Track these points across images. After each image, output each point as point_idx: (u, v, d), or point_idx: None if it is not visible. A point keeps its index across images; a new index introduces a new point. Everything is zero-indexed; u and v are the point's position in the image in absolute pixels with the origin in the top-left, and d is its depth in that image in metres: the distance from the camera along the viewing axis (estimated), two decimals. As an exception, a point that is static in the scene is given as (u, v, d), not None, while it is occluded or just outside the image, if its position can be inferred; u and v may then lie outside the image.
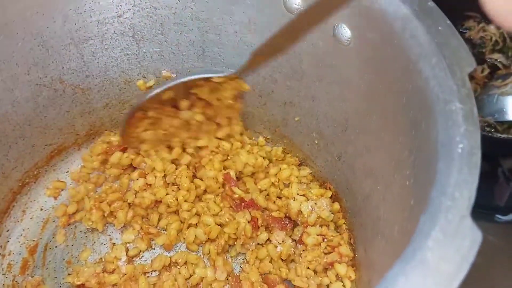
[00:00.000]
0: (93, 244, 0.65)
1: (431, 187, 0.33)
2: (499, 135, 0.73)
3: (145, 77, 0.67)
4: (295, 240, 0.63)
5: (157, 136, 0.63)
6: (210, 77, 0.57)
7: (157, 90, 0.58)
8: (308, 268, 0.60)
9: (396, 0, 0.44)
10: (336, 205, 0.64)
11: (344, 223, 0.65)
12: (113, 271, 0.61)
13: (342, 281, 0.59)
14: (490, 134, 0.72)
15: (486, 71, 0.81)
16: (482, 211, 0.75)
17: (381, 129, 0.50)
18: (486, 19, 0.84)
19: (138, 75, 0.67)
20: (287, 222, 0.64)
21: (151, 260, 0.63)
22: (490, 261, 0.71)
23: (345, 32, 0.51)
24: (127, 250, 0.63)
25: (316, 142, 0.65)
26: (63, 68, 0.61)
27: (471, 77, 0.52)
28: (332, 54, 0.54)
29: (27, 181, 0.66)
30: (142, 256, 0.64)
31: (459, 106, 0.36)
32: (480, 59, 0.83)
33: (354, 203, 0.61)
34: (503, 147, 0.76)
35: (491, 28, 0.84)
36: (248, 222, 0.62)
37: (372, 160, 0.54)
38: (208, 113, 0.62)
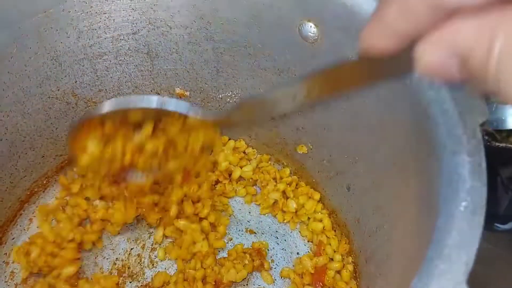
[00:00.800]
0: (95, 258, 0.65)
1: (428, 245, 0.32)
2: (497, 144, 0.71)
3: (159, 93, 0.67)
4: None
5: (102, 154, 0.51)
6: (186, 115, 0.46)
7: (130, 106, 0.47)
8: None
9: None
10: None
11: (351, 256, 0.63)
12: None
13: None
14: (488, 143, 0.71)
15: None
16: None
17: (389, 167, 0.49)
18: None
19: (151, 91, 0.67)
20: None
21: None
22: (489, 269, 0.68)
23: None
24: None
25: (327, 170, 0.64)
26: (76, 82, 0.61)
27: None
28: (344, 85, 0.53)
29: (35, 190, 0.67)
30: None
31: (467, 159, 0.35)
32: None
33: (362, 237, 0.59)
34: (501, 156, 0.74)
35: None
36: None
37: (379, 197, 0.52)
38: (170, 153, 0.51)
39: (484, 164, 0.34)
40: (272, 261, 0.65)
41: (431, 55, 0.25)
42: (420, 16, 0.24)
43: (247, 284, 0.63)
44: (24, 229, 0.66)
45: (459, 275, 0.29)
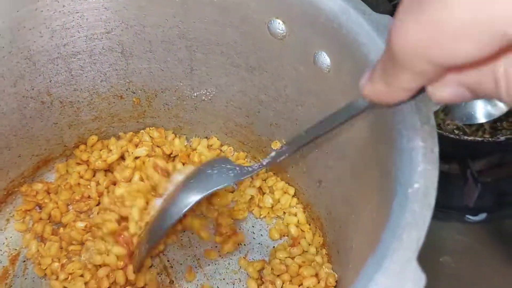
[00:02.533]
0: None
1: (384, 227, 0.33)
2: (467, 137, 0.74)
3: (134, 92, 0.68)
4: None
5: None
6: None
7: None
8: None
9: (371, 31, 0.44)
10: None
11: (325, 248, 0.65)
12: None
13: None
14: (458, 137, 0.74)
15: None
16: (452, 212, 0.78)
17: (357, 157, 0.50)
18: None
19: (127, 90, 0.67)
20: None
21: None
22: (460, 260, 0.75)
23: (325, 59, 0.51)
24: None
25: (300, 165, 0.65)
26: (50, 81, 0.61)
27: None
28: (313, 81, 0.54)
29: (12, 190, 0.67)
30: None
31: (421, 144, 0.36)
32: None
33: (333, 229, 0.61)
34: (471, 149, 0.78)
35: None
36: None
37: (347, 188, 0.54)
38: None
39: (436, 149, 0.36)
40: (246, 255, 0.67)
41: (442, 92, 0.27)
42: (431, 74, 0.26)
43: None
44: (1, 229, 0.67)
45: (409, 252, 0.31)
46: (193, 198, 0.54)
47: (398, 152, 0.37)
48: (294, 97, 0.58)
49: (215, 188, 0.54)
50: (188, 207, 0.54)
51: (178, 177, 0.61)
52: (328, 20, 0.48)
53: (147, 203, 0.63)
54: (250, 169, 0.55)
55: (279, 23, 0.53)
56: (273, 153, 0.52)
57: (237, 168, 0.55)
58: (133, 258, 0.61)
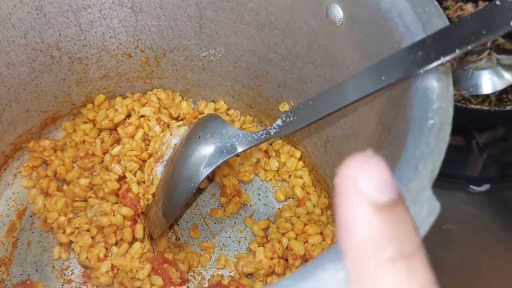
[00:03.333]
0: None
1: (398, 160, 0.33)
2: (472, 106, 0.75)
3: (142, 51, 0.68)
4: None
5: None
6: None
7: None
8: None
9: (386, -20, 0.44)
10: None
11: (330, 209, 0.65)
12: None
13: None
14: (464, 106, 0.75)
15: None
16: (457, 182, 0.79)
17: (366, 110, 0.50)
18: None
19: (135, 48, 0.67)
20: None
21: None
22: (464, 229, 0.76)
23: (338, 12, 0.50)
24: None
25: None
26: (60, 35, 0.61)
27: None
28: (324, 35, 0.54)
29: (20, 146, 0.67)
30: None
31: (435, 84, 0.36)
32: None
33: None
34: (477, 120, 0.79)
35: (468, 7, 0.89)
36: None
37: (356, 143, 0.54)
38: None
39: (451, 88, 0.36)
40: (252, 215, 0.67)
41: None
42: None
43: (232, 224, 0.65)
44: (9, 184, 0.67)
45: (425, 181, 0.31)
46: (202, 173, 0.55)
47: (413, 92, 0.37)
48: (305, 54, 0.58)
49: (222, 161, 0.55)
50: (199, 182, 0.55)
51: (174, 141, 0.61)
52: (342, -29, 0.48)
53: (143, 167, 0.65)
54: (255, 136, 0.55)
55: (292, -23, 0.53)
56: (280, 122, 0.51)
57: (241, 135, 0.55)
58: (147, 222, 0.61)
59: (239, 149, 0.54)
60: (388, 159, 0.40)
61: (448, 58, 0.35)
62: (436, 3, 0.42)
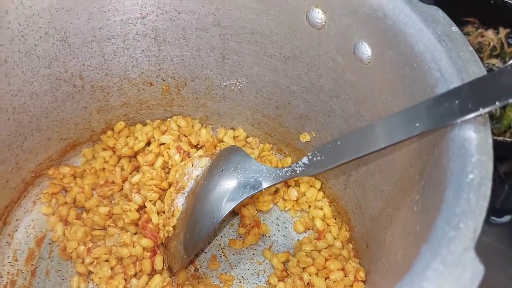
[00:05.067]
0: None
1: (436, 215, 0.33)
2: (495, 137, 0.74)
3: (164, 80, 0.68)
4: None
5: None
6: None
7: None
8: None
9: (419, 22, 0.44)
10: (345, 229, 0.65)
11: (351, 243, 0.64)
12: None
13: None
14: None
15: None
16: None
17: (394, 150, 0.50)
18: (484, 24, 0.86)
19: (157, 77, 0.67)
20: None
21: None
22: (485, 262, 0.71)
23: (366, 50, 0.50)
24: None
25: (329, 158, 0.65)
26: (83, 64, 0.61)
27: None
28: (351, 71, 0.54)
29: (40, 173, 0.67)
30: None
31: (474, 135, 0.36)
32: None
33: (363, 223, 0.60)
34: (498, 150, 0.76)
35: (489, 33, 0.88)
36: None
37: (382, 181, 0.53)
38: None
39: (490, 140, 0.35)
40: (271, 246, 0.66)
41: None
42: None
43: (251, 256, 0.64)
44: (28, 211, 0.67)
45: (467, 241, 0.30)
46: (224, 208, 0.55)
47: (449, 142, 0.36)
48: (329, 88, 0.58)
49: (246, 197, 0.55)
50: (221, 218, 0.55)
51: (196, 173, 0.61)
52: (372, 9, 0.47)
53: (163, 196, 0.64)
54: (280, 173, 0.54)
55: (318, 12, 0.53)
56: (306, 161, 0.50)
57: (265, 171, 0.55)
58: (167, 254, 0.61)
59: (264, 186, 0.54)
60: (421, 207, 0.39)
61: (487, 109, 0.34)
62: (471, 48, 0.41)
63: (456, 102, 0.36)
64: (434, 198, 0.36)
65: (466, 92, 0.36)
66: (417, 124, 0.38)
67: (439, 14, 0.43)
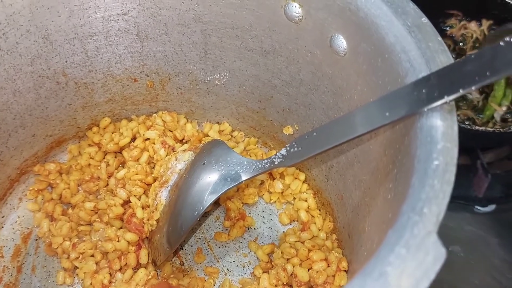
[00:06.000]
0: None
1: (403, 202, 0.34)
2: (477, 127, 0.75)
3: (148, 75, 0.68)
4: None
5: None
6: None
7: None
8: None
9: (390, 14, 0.44)
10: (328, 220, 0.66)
11: (335, 233, 0.65)
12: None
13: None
14: (469, 127, 0.74)
15: None
16: (462, 202, 0.79)
17: (370, 140, 0.50)
18: (467, 16, 0.87)
19: (141, 73, 0.68)
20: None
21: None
22: (469, 250, 0.75)
23: (341, 43, 0.51)
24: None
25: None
26: (66, 61, 0.62)
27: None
28: (328, 64, 0.54)
29: (25, 169, 0.68)
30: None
31: (440, 123, 0.36)
32: (460, 56, 0.89)
33: (344, 214, 0.61)
34: (481, 140, 0.79)
35: (472, 25, 0.89)
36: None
37: (361, 171, 0.54)
38: None
39: (455, 127, 0.36)
40: (256, 239, 0.67)
41: None
42: None
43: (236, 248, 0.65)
44: (14, 208, 0.67)
45: (430, 225, 0.31)
46: (206, 200, 0.56)
47: (417, 130, 0.37)
48: (308, 81, 0.59)
49: (226, 189, 0.55)
50: (203, 210, 0.55)
51: (179, 166, 0.62)
52: (345, 2, 0.48)
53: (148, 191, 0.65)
54: (259, 165, 0.55)
55: (295, 6, 0.54)
56: (284, 152, 0.51)
57: (245, 163, 0.56)
58: (151, 247, 0.61)
59: (244, 178, 0.55)
60: (393, 195, 0.40)
61: (452, 97, 0.35)
62: (440, 38, 0.42)
63: (424, 91, 0.37)
64: (403, 186, 0.37)
65: (433, 81, 0.37)
66: (387, 114, 0.39)
67: (410, 5, 0.44)
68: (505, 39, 0.32)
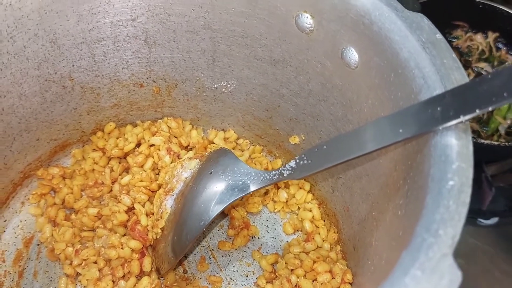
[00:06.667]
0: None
1: (417, 221, 0.33)
2: (482, 141, 0.74)
3: (155, 81, 0.68)
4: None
5: None
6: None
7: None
8: None
9: (404, 29, 0.44)
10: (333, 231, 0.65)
11: (339, 245, 0.65)
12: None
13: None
14: (474, 140, 0.74)
15: (472, 76, 0.87)
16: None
17: (380, 154, 0.50)
18: (473, 28, 0.87)
19: (148, 78, 0.67)
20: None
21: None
22: (472, 263, 0.75)
23: (353, 55, 0.51)
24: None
25: (318, 160, 0.65)
26: (73, 66, 0.61)
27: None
28: (338, 76, 0.54)
29: (29, 173, 0.67)
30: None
31: (455, 141, 0.36)
32: (466, 67, 0.89)
33: (350, 226, 0.61)
34: (486, 153, 0.78)
35: (478, 37, 0.89)
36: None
37: (369, 185, 0.53)
38: None
39: (471, 147, 0.36)
40: (260, 248, 0.67)
41: None
42: None
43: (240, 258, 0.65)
44: (16, 212, 0.67)
45: (445, 247, 0.31)
46: (213, 210, 0.55)
47: (431, 148, 0.37)
48: (317, 91, 0.58)
49: (234, 200, 0.55)
50: (209, 221, 0.55)
51: (185, 174, 0.61)
52: (359, 15, 0.48)
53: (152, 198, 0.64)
54: (268, 176, 0.54)
55: (307, 17, 0.53)
56: (293, 164, 0.51)
57: (253, 174, 0.55)
58: (155, 256, 0.61)
59: (252, 188, 0.54)
60: (404, 212, 0.40)
61: (468, 117, 0.35)
62: (454, 55, 0.41)
63: (439, 109, 0.37)
64: (416, 204, 0.37)
65: (448, 99, 0.37)
66: (400, 130, 0.39)
67: (424, 21, 0.44)
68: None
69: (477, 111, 0.34)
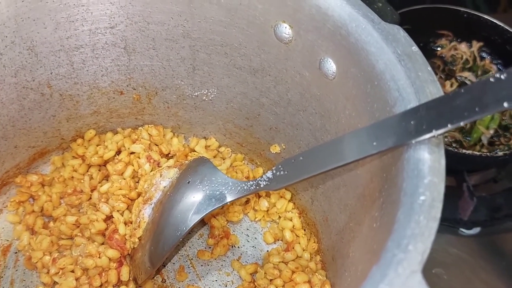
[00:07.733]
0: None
1: (388, 236, 0.33)
2: (464, 151, 0.75)
3: (135, 89, 0.67)
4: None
5: None
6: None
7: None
8: None
9: (380, 41, 0.44)
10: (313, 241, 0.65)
11: (319, 255, 0.65)
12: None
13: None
14: (456, 150, 0.75)
15: (455, 85, 0.87)
16: (447, 224, 0.78)
17: (358, 165, 0.50)
18: (457, 37, 0.88)
19: (127, 86, 0.67)
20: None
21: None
22: (452, 273, 0.75)
23: (331, 66, 0.51)
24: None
25: (298, 170, 0.65)
26: (51, 73, 0.61)
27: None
28: (317, 86, 0.54)
29: (6, 181, 0.66)
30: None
31: (427, 156, 0.36)
32: (450, 77, 0.89)
33: (329, 236, 0.61)
34: (468, 163, 0.78)
35: (462, 47, 0.90)
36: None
37: (346, 195, 0.53)
38: None
39: (443, 162, 0.36)
40: (240, 257, 0.66)
41: None
42: None
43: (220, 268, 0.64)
44: (-7, 220, 0.66)
45: (415, 264, 0.30)
46: (190, 220, 0.55)
47: (404, 162, 0.37)
48: (296, 101, 0.58)
49: (211, 210, 0.55)
50: (186, 231, 0.54)
51: (163, 183, 0.61)
52: (336, 26, 0.48)
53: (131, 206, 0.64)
54: (245, 186, 0.54)
55: (285, 27, 0.53)
56: (270, 175, 0.51)
57: (230, 184, 0.55)
58: (133, 265, 0.60)
59: (228, 199, 0.54)
60: (379, 225, 0.40)
61: (440, 131, 0.35)
62: (429, 68, 0.41)
63: (412, 122, 0.37)
64: (389, 217, 0.37)
65: (421, 113, 0.37)
66: (374, 143, 0.39)
67: (400, 33, 0.44)
68: (495, 75, 0.32)
69: (449, 125, 0.34)
